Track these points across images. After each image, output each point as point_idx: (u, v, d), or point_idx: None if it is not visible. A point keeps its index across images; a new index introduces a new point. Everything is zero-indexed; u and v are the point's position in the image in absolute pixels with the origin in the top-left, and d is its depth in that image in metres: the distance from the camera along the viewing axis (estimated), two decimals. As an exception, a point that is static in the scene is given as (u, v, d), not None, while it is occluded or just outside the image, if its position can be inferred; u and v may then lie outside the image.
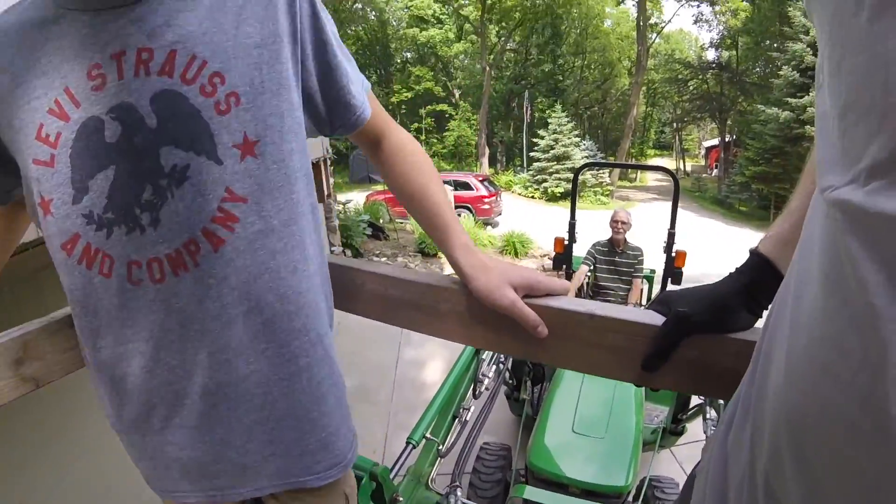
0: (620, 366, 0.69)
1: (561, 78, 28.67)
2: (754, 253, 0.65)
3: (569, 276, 3.87)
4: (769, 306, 0.52)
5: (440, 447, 1.93)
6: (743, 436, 0.48)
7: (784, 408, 0.39)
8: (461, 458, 1.92)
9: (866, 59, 0.31)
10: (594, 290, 3.89)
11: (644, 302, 3.78)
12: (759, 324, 0.64)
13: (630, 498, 2.02)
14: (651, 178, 31.97)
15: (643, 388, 2.64)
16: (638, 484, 2.14)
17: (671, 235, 3.38)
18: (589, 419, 2.21)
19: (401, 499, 1.65)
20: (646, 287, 3.95)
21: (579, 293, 3.68)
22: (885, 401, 0.29)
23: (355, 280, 0.88)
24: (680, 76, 28.83)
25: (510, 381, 2.97)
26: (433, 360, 4.57)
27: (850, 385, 0.32)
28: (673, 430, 2.73)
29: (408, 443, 1.77)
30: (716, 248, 12.16)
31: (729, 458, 0.51)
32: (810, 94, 16.92)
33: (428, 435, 1.85)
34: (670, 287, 3.40)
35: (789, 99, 17.50)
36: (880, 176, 0.30)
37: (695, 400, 2.77)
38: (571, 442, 2.12)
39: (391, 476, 1.62)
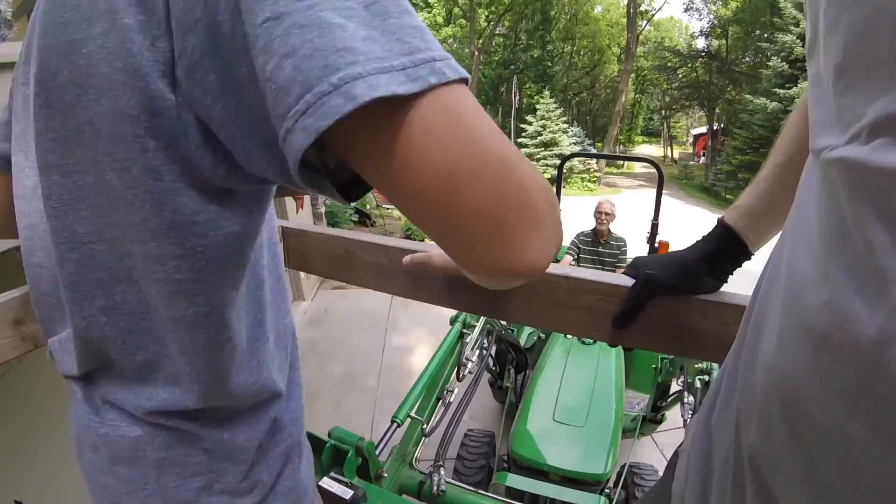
0: (595, 325, 0.74)
1: (550, 64, 28.54)
2: (720, 223, 0.70)
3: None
4: (759, 277, 0.50)
5: (424, 426, 1.95)
6: (728, 412, 0.47)
7: (776, 381, 0.37)
8: (444, 439, 1.93)
9: (869, 12, 0.29)
10: None
11: None
12: (726, 288, 0.70)
13: (610, 484, 2.06)
14: (638, 166, 32.04)
15: (623, 376, 2.67)
16: (618, 470, 2.18)
17: (654, 227, 3.41)
18: (570, 408, 2.25)
19: (385, 475, 1.67)
20: None
21: None
22: (888, 373, 0.27)
23: (348, 250, 0.94)
24: (669, 64, 28.80)
25: (493, 368, 3.00)
26: (420, 346, 4.59)
27: (852, 356, 0.29)
28: (652, 419, 2.79)
29: (392, 421, 1.78)
30: (700, 236, 12.12)
31: (713, 435, 0.51)
32: (798, 85, 16.98)
33: (412, 414, 1.86)
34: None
35: (778, 90, 17.60)
36: (886, 132, 0.28)
37: (674, 387, 2.82)
38: (552, 430, 2.15)
39: (377, 453, 1.64)
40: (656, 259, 0.71)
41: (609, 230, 3.79)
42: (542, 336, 3.22)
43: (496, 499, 1.79)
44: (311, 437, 1.40)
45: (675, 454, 0.65)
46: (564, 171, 3.85)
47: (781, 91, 17.45)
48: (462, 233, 0.34)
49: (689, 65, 27.94)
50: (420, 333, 4.83)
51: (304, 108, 0.30)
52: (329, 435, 1.57)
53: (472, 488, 1.83)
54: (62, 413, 0.63)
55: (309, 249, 1.02)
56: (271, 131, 0.34)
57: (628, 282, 0.71)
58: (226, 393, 0.55)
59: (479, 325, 2.52)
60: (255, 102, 0.34)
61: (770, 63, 18.23)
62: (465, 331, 2.46)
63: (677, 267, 0.68)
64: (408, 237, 9.09)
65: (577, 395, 2.34)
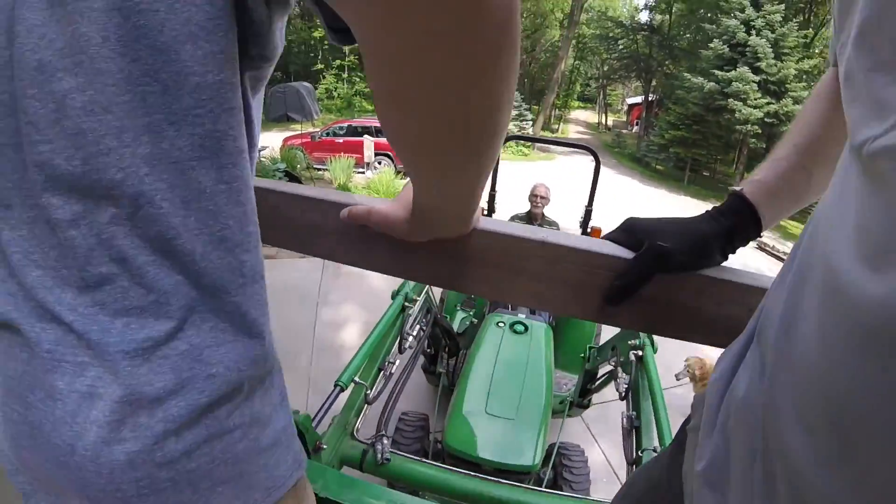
0: (575, 300, 0.64)
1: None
2: (737, 196, 0.63)
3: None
4: (779, 277, 0.46)
5: (368, 392, 1.87)
6: (752, 408, 0.44)
7: (820, 382, 0.34)
8: (386, 410, 1.85)
9: None
10: None
11: None
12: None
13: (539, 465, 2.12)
14: (572, 131, 32.67)
15: (552, 362, 2.72)
16: (547, 449, 2.25)
17: (588, 213, 3.45)
18: (501, 400, 2.28)
19: (325, 446, 1.61)
20: None
21: None
22: None
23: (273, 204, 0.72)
24: (611, 34, 29.13)
25: (428, 351, 2.99)
26: (352, 322, 4.51)
27: None
28: (579, 404, 2.88)
29: (336, 385, 1.69)
30: (632, 208, 12.55)
31: (731, 435, 0.47)
32: (737, 69, 17.55)
33: (357, 379, 1.78)
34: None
35: (716, 71, 18.13)
36: None
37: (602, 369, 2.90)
38: (485, 423, 2.18)
39: (315, 424, 1.57)
40: (661, 226, 0.62)
41: (543, 214, 3.79)
42: (475, 321, 3.22)
43: (440, 466, 1.77)
44: None
45: (683, 431, 0.61)
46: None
47: (720, 73, 18.02)
48: None
49: (631, 37, 28.37)
50: (352, 308, 4.74)
51: None
52: None
53: (415, 457, 1.80)
54: None
55: None
56: None
57: (618, 251, 0.61)
58: None
59: (420, 300, 2.50)
60: None
61: (711, 45, 18.68)
62: (406, 304, 2.44)
63: (692, 242, 0.60)
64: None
65: (509, 387, 2.37)
